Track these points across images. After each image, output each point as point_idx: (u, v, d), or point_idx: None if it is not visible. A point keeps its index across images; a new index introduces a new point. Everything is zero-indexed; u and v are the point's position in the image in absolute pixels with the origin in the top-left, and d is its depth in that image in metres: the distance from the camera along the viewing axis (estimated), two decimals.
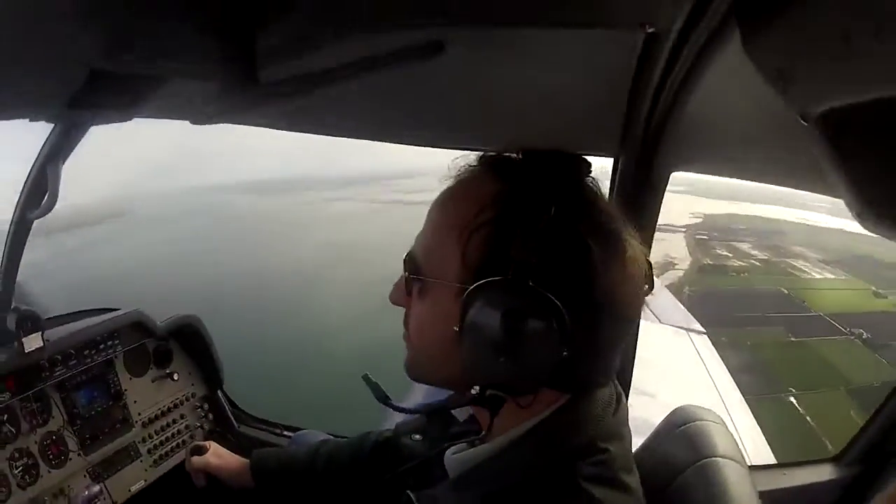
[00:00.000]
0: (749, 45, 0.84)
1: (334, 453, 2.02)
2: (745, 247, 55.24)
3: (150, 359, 3.25)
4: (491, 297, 1.02)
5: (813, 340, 39.54)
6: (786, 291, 46.80)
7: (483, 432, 1.19)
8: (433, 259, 1.16)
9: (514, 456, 1.14)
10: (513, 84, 1.57)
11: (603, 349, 1.12)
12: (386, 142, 2.24)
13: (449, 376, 1.17)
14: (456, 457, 1.26)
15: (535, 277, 0.99)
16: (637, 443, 1.73)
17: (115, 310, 3.23)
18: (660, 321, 7.67)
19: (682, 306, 8.94)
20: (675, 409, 1.75)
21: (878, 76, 0.57)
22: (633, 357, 2.18)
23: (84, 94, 1.20)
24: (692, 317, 8.24)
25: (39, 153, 2.16)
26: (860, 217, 0.70)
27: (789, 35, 0.74)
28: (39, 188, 2.31)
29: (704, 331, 7.70)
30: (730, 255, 54.23)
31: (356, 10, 1.00)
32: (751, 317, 41.26)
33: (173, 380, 3.31)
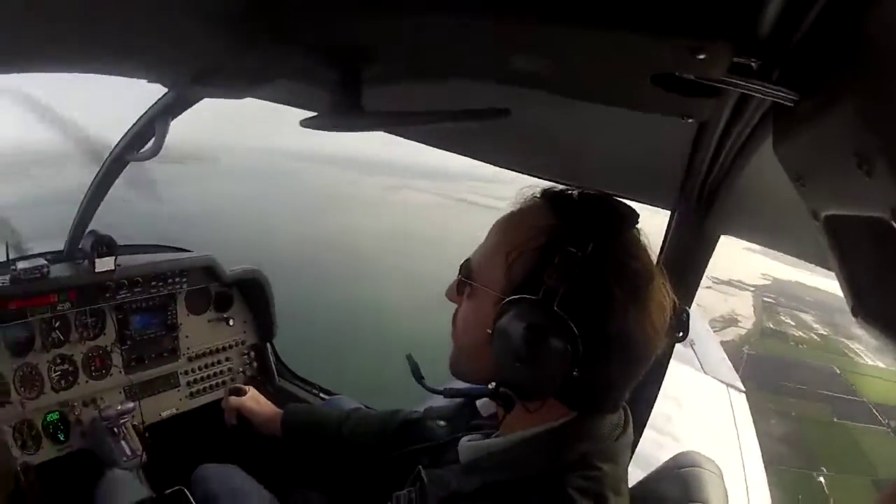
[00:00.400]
0: (777, 145, 0.94)
1: (363, 422, 2.12)
2: (807, 318, 52.93)
3: (211, 301, 3.47)
4: (519, 311, 1.18)
5: (853, 425, 38.32)
6: (837, 371, 45.01)
7: (498, 429, 1.38)
8: (484, 269, 1.33)
9: (517, 454, 1.28)
10: (585, 129, 1.69)
11: (613, 379, 1.25)
12: (467, 157, 2.35)
13: (482, 373, 1.31)
14: (469, 444, 1.41)
15: (559, 304, 1.14)
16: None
17: (189, 251, 3.45)
18: (704, 371, 7.53)
19: (728, 362, 8.70)
20: (681, 452, 1.84)
21: (875, 200, 0.64)
22: (655, 396, 2.22)
23: (202, 73, 1.38)
24: (736, 374, 8.04)
25: (152, 106, 2.36)
26: (853, 312, 0.78)
27: (809, 145, 0.83)
28: (144, 136, 2.52)
29: (744, 390, 7.52)
30: (792, 323, 52.09)
31: (439, 62, 1.13)
32: (800, 389, 39.84)
33: (228, 325, 3.53)
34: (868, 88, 0.63)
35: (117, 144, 2.75)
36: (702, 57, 0.77)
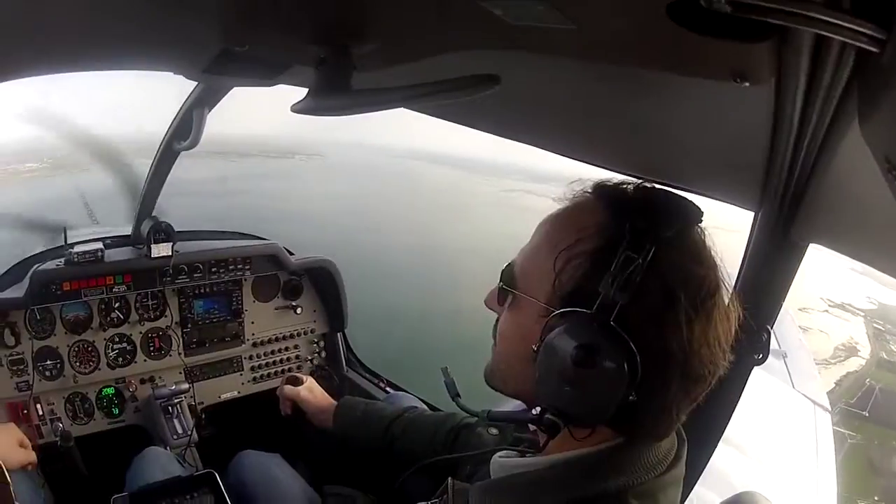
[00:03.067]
0: (863, 119, 0.73)
1: (415, 422, 2.10)
2: None
3: (280, 289, 3.48)
4: (570, 327, 1.04)
5: None
6: None
7: (537, 447, 1.26)
8: (529, 276, 1.18)
9: (545, 479, 1.17)
10: (658, 116, 1.51)
11: (669, 401, 1.09)
12: (512, 140, 2.13)
13: (520, 390, 1.22)
14: (501, 461, 1.31)
15: (617, 318, 1.00)
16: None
17: (254, 237, 3.49)
18: (793, 386, 7.07)
19: (819, 379, 8.15)
20: (744, 492, 1.73)
21: None
22: (726, 423, 1.97)
23: (219, 63, 1.35)
24: (824, 393, 7.52)
25: (188, 98, 2.39)
26: None
27: None
28: (185, 125, 2.55)
29: (829, 410, 7.03)
30: None
31: (427, 36, 1.05)
32: None
33: (296, 313, 3.53)
34: None
35: (165, 135, 2.81)
36: None
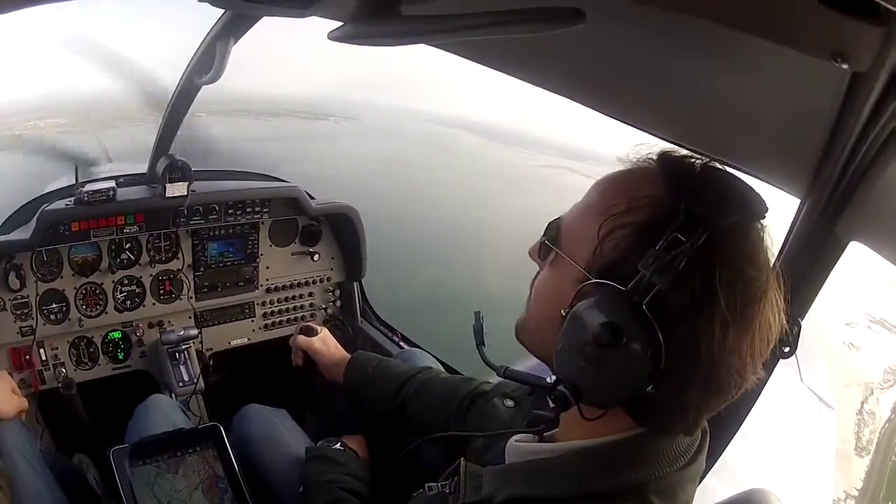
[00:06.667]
0: None
1: (429, 385, 2.04)
2: None
3: (297, 234, 3.38)
4: (600, 301, 0.99)
5: None
6: None
7: (556, 429, 1.23)
8: (572, 235, 1.13)
9: (564, 469, 1.13)
10: (718, 85, 1.43)
11: (690, 403, 1.03)
12: (558, 94, 1.97)
13: (545, 352, 1.15)
14: (517, 445, 1.28)
15: (650, 302, 0.93)
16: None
17: (275, 178, 3.38)
18: (801, 379, 7.05)
19: (827, 377, 8.15)
20: (755, 489, 1.69)
21: None
22: (745, 416, 1.94)
23: None
24: (830, 390, 7.51)
25: (211, 29, 2.28)
26: None
27: None
28: (207, 58, 2.41)
29: (833, 407, 7.03)
30: None
31: None
32: None
33: (313, 259, 3.44)
34: None
35: (186, 68, 2.68)
36: None
